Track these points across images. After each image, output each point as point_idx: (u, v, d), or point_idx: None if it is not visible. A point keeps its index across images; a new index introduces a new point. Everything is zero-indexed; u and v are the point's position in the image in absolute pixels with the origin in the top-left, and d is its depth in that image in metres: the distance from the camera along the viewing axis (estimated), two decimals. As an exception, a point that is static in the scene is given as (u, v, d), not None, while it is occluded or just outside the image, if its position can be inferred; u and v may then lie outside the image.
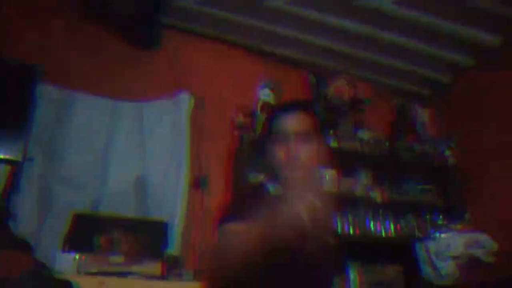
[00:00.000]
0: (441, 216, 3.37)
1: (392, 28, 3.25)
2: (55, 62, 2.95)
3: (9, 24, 2.91)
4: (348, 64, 3.55)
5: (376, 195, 3.29)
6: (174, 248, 2.91)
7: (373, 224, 3.31)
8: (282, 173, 1.77)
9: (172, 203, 3.01)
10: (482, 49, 3.40)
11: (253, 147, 3.04)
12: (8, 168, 2.64)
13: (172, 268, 2.78)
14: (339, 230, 3.22)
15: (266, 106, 3.19)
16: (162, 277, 2.66)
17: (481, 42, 3.34)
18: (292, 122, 1.78)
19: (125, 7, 3.01)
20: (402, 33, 3.30)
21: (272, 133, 1.81)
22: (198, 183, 3.11)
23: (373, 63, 3.56)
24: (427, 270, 3.10)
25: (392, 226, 3.35)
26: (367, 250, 3.18)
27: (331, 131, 3.28)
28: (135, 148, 3.07)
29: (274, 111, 1.90)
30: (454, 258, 3.02)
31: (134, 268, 2.66)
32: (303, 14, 3.14)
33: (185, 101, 3.21)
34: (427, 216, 3.42)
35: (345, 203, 3.29)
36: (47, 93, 2.90)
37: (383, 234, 3.32)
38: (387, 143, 3.44)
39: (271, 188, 1.88)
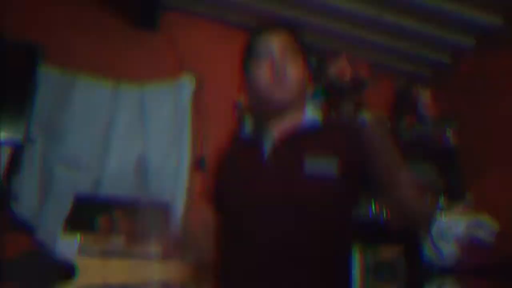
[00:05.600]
0: (442, 198, 3.36)
1: (392, 9, 3.24)
2: (56, 42, 2.93)
3: (10, 4, 2.89)
4: (348, 45, 3.53)
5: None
6: (175, 229, 2.91)
7: (374, 205, 3.30)
8: (267, 94, 1.58)
9: (173, 184, 3.02)
10: (483, 29, 3.38)
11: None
12: (9, 149, 2.63)
13: (174, 248, 2.78)
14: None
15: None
16: (164, 258, 2.66)
17: (482, 23, 3.33)
18: (276, 38, 1.61)
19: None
20: (402, 13, 3.28)
21: (253, 55, 1.63)
22: (198, 164, 3.11)
23: (373, 44, 3.55)
24: (428, 251, 3.10)
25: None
26: (368, 231, 3.18)
27: (333, 111, 3.27)
28: (137, 129, 3.06)
29: (255, 31, 1.70)
30: (456, 239, 3.02)
31: (136, 249, 2.66)
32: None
33: (187, 82, 3.20)
34: (429, 198, 3.41)
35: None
36: (48, 74, 2.89)
37: (384, 215, 3.32)
38: (388, 124, 3.44)
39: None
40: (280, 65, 1.55)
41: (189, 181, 3.04)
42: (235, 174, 1.65)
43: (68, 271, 2.52)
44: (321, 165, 1.44)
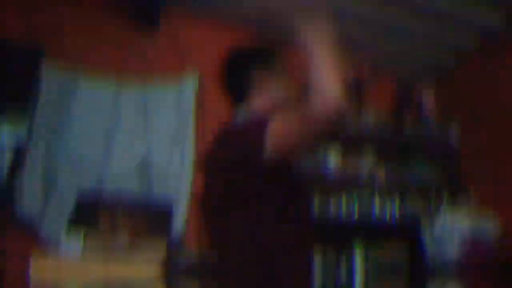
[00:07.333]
0: (445, 197, 3.37)
1: (395, 9, 3.22)
2: (59, 42, 2.92)
3: (14, 5, 2.88)
4: (350, 45, 3.51)
5: (381, 176, 3.28)
6: (178, 229, 2.91)
7: (378, 205, 3.31)
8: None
9: (177, 183, 3.02)
10: (486, 31, 3.37)
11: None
12: (12, 148, 2.64)
13: (176, 249, 2.79)
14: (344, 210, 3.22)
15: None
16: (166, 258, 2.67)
17: (484, 24, 3.31)
18: None
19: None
20: (406, 14, 3.26)
21: None
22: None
23: (377, 45, 3.53)
24: (431, 251, 3.10)
25: (396, 207, 3.35)
26: (372, 231, 3.18)
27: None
28: (140, 128, 3.06)
29: None
30: (458, 238, 3.02)
31: (138, 249, 2.67)
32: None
33: (189, 81, 3.20)
34: (432, 198, 3.41)
35: (350, 183, 3.28)
36: (51, 75, 2.89)
37: (388, 215, 3.32)
38: (391, 124, 3.44)
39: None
40: None
41: (192, 181, 3.04)
42: None
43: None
44: None
